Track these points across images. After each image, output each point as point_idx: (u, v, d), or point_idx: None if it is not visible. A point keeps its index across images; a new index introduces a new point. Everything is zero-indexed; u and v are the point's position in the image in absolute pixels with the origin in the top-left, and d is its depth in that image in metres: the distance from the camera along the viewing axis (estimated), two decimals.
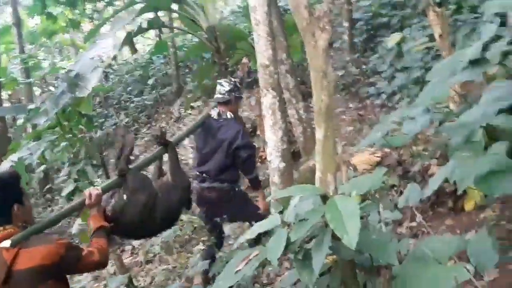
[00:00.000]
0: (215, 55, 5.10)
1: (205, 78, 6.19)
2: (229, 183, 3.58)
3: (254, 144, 3.64)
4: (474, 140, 2.39)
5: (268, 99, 4.16)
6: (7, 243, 2.00)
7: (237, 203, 3.62)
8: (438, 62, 4.23)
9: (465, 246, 2.19)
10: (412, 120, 3.44)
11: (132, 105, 11.58)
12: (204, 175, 3.55)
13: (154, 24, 4.95)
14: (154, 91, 11.55)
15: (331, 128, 2.00)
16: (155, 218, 2.72)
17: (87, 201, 2.46)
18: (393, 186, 3.84)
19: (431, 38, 5.70)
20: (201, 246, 4.95)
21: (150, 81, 11.63)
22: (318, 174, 2.06)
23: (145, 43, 15.50)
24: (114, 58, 5.29)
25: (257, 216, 3.36)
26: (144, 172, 3.04)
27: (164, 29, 11.93)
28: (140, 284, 4.79)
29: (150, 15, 5.40)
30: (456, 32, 6.26)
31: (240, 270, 1.98)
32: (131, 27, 4.73)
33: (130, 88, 12.27)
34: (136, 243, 6.23)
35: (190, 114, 10.23)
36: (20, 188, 2.22)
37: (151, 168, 3.34)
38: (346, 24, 8.97)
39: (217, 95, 3.62)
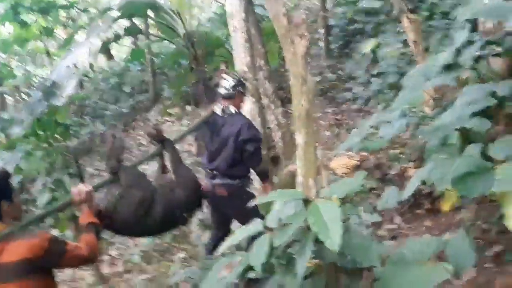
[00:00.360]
0: (192, 61, 5.09)
1: (182, 85, 6.16)
2: (239, 178, 3.51)
3: (260, 136, 3.60)
4: (450, 142, 2.45)
5: (247, 106, 4.18)
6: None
7: (245, 202, 3.47)
8: (412, 67, 4.34)
9: (444, 247, 2.24)
10: (388, 124, 3.52)
11: (108, 113, 11.41)
12: (214, 172, 3.49)
13: (130, 31, 4.92)
14: (130, 99, 11.42)
15: (312, 133, 2.02)
16: (155, 215, 2.66)
17: (76, 198, 2.42)
18: (372, 189, 3.90)
19: (405, 44, 5.84)
20: (182, 254, 4.90)
21: (127, 89, 11.50)
22: (299, 179, 2.08)
23: (121, 50, 15.37)
24: (91, 66, 5.22)
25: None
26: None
27: (140, 36, 11.91)
28: None
29: (127, 22, 5.38)
30: (430, 38, 6.43)
31: (223, 277, 1.98)
32: (107, 34, 4.69)
33: (106, 95, 12.10)
34: (114, 252, 6.14)
35: (167, 121, 10.16)
36: (10, 186, 2.25)
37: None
38: (322, 30, 9.09)
39: (221, 90, 3.55)
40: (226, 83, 3.52)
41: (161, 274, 4.64)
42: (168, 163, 3.06)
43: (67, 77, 4.06)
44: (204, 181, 3.46)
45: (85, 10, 11.42)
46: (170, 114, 10.38)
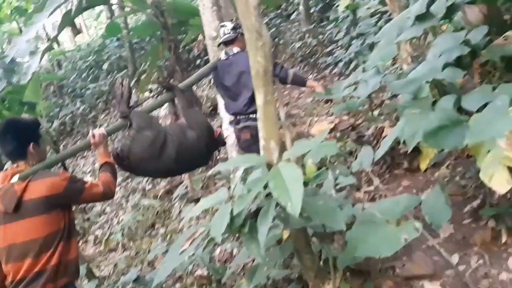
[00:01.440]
0: (163, 31, 4.88)
1: (157, 58, 5.95)
2: None
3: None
4: (422, 96, 2.33)
5: None
6: (16, 178, 2.27)
7: None
8: None
9: (415, 204, 2.16)
10: (364, 83, 3.39)
11: (88, 92, 11.15)
12: (237, 117, 3.47)
13: (94, 2, 4.67)
14: (109, 76, 11.15)
15: (271, 92, 1.89)
16: (168, 155, 2.78)
17: (92, 141, 2.63)
18: (350, 152, 3.80)
19: (383, 2, 5.64)
20: (163, 230, 4.82)
21: (105, 66, 11.22)
22: (261, 142, 1.95)
23: (98, 27, 14.95)
24: (56, 41, 4.99)
25: None
26: None
27: (116, 11, 11.51)
28: (104, 273, 4.64)
29: None
30: None
31: (185, 249, 1.88)
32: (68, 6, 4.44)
33: (84, 74, 11.80)
34: (98, 232, 6.07)
35: (148, 97, 9.94)
36: (38, 132, 2.50)
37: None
38: None
39: (221, 37, 3.53)
40: (225, 28, 3.50)
41: (143, 250, 4.56)
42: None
43: (27, 53, 3.84)
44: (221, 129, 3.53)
45: None
46: (151, 90, 10.16)
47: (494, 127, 1.90)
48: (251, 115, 3.34)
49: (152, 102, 3.12)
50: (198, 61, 9.65)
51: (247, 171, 2.05)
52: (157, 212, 5.22)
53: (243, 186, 1.91)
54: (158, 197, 5.81)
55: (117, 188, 7.32)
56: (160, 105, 3.17)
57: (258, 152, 3.16)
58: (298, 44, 8.33)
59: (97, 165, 8.24)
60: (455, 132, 2.08)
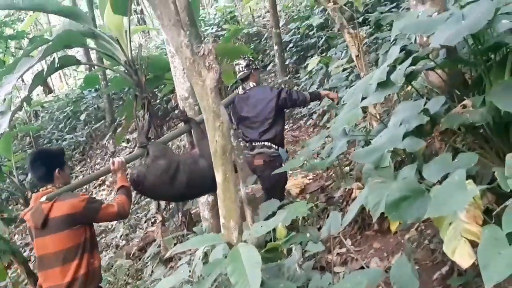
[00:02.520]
0: (136, 89, 4.90)
1: (131, 112, 5.94)
2: (275, 145, 3.80)
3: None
4: (384, 165, 2.35)
5: None
6: (43, 198, 2.68)
7: (274, 175, 3.59)
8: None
9: (381, 278, 2.13)
10: (331, 144, 3.42)
11: (64, 142, 11.03)
12: (252, 143, 3.83)
13: (66, 62, 4.69)
14: (86, 127, 11.09)
15: (230, 171, 1.87)
16: (180, 182, 3.07)
17: (111, 167, 3.05)
18: (324, 209, 3.79)
19: (351, 60, 5.81)
20: None
21: (82, 116, 11.17)
22: (221, 220, 1.92)
23: (77, 76, 15.01)
24: (27, 100, 4.96)
25: (279, 195, 3.68)
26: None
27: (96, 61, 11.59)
28: None
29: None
30: (378, 50, 6.44)
31: None
32: (38, 66, 4.44)
33: (61, 125, 11.71)
34: None
35: (126, 147, 9.88)
36: (63, 159, 2.97)
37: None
38: (276, 47, 9.05)
39: (238, 74, 3.98)
40: (239, 66, 3.96)
41: None
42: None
43: None
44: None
45: (35, 39, 11.07)
46: (128, 141, 10.10)
47: (454, 201, 1.90)
48: (265, 143, 3.75)
49: (170, 133, 3.51)
50: (176, 111, 9.71)
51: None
52: (128, 272, 5.05)
53: (202, 267, 1.86)
54: (131, 254, 5.66)
55: None
56: (177, 136, 3.61)
57: (269, 177, 3.60)
58: None
59: None
60: (417, 203, 2.08)
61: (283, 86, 3.96)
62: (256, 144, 3.79)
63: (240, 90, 3.96)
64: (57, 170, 2.82)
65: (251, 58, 4.13)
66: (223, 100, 3.81)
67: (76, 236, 2.70)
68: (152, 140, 3.18)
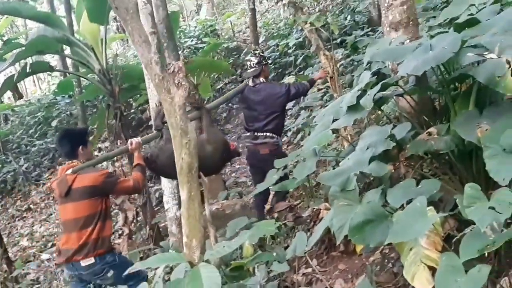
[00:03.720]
0: (109, 98, 4.84)
1: (103, 120, 5.87)
2: (276, 133, 4.22)
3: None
4: (350, 188, 2.38)
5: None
6: (69, 171, 3.08)
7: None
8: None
9: None
10: (302, 163, 3.44)
11: (34, 148, 10.76)
12: (255, 133, 4.17)
13: (38, 68, 4.61)
14: (57, 133, 10.84)
15: (195, 189, 1.86)
16: None
17: (129, 147, 3.35)
18: (292, 228, 3.79)
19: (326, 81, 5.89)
20: None
21: (54, 123, 10.94)
22: (184, 238, 1.90)
23: (51, 82, 14.72)
24: None
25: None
26: None
27: (71, 68, 11.40)
28: None
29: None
30: (354, 71, 6.56)
31: None
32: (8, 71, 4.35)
33: (32, 130, 11.43)
34: None
35: (97, 156, 9.69)
36: (86, 138, 3.36)
37: None
38: None
39: (248, 70, 4.31)
40: (251, 63, 4.27)
41: None
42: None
43: None
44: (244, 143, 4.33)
45: (8, 42, 10.85)
46: (100, 149, 9.93)
47: (415, 227, 1.93)
48: (267, 133, 4.13)
49: None
50: (150, 122, 9.62)
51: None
52: None
53: (163, 286, 1.83)
54: None
55: (55, 255, 6.94)
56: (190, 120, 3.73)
57: (272, 166, 3.79)
58: None
59: (35, 228, 7.79)
60: (380, 227, 2.11)
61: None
62: (259, 134, 4.15)
63: (250, 83, 4.27)
64: (80, 147, 3.23)
65: (261, 53, 4.42)
66: (231, 91, 4.51)
67: (94, 206, 3.07)
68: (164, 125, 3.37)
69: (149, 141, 3.59)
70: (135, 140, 3.39)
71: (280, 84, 4.40)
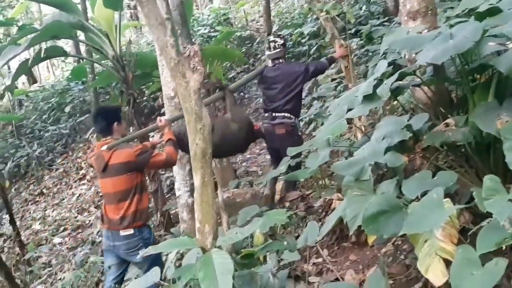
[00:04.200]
0: (122, 85, 4.84)
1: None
2: (293, 114, 4.26)
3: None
4: (364, 178, 2.35)
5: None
6: (105, 147, 3.22)
7: (294, 142, 4.00)
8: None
9: None
10: (315, 154, 3.41)
11: (47, 134, 10.86)
12: (273, 113, 4.22)
13: (52, 52, 4.62)
14: (71, 119, 10.93)
15: (209, 174, 1.85)
16: (213, 141, 3.38)
17: (159, 124, 3.57)
18: (303, 218, 3.78)
19: (341, 71, 5.82)
20: None
21: (67, 109, 11.01)
22: (196, 224, 1.89)
23: (65, 68, 14.80)
24: (10, 89, 4.87)
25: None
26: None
27: (85, 54, 11.44)
28: None
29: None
30: (369, 62, 6.47)
31: None
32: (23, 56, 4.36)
33: (45, 116, 11.53)
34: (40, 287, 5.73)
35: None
36: (120, 115, 3.48)
37: None
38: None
39: (271, 51, 4.31)
40: (276, 43, 4.32)
41: None
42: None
43: None
44: (261, 124, 4.28)
45: (23, 27, 10.90)
46: None
47: (430, 219, 1.90)
48: (285, 114, 4.17)
49: (207, 99, 3.82)
50: (162, 110, 9.65)
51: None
52: (102, 270, 4.97)
53: (175, 270, 1.83)
54: None
55: (67, 239, 7.03)
56: (213, 101, 3.93)
57: (291, 144, 3.81)
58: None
59: (47, 212, 7.88)
60: (394, 219, 2.08)
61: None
62: (277, 114, 4.20)
63: (270, 63, 4.35)
64: (115, 124, 3.37)
65: (284, 36, 4.63)
66: (252, 73, 4.68)
67: (130, 180, 3.23)
68: None
69: (176, 119, 3.73)
70: (164, 117, 3.57)
71: (299, 64, 4.58)
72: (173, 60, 1.71)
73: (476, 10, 2.74)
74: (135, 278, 4.10)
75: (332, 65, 7.00)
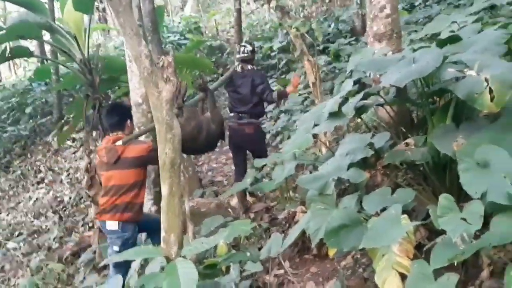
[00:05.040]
0: (88, 88, 4.77)
1: (80, 111, 5.77)
2: (259, 116, 4.76)
3: (266, 78, 4.96)
4: (327, 193, 2.42)
5: (141, 139, 3.95)
6: (120, 142, 3.37)
7: (261, 138, 4.80)
8: (314, 107, 4.40)
9: None
10: (281, 166, 3.48)
11: (5, 135, 10.46)
12: (240, 114, 4.54)
13: (18, 53, 4.51)
14: (31, 121, 10.60)
15: (176, 184, 1.87)
16: (201, 138, 3.72)
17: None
18: (266, 229, 3.82)
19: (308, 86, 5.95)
20: None
21: (28, 109, 10.67)
22: (162, 233, 1.90)
23: (28, 67, 14.37)
24: None
25: (265, 154, 4.63)
26: None
27: (49, 55, 11.16)
28: None
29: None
30: (335, 78, 6.65)
31: None
32: None
33: (4, 116, 11.13)
34: None
35: (70, 146, 9.53)
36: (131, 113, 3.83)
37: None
38: (237, 63, 9.10)
39: (240, 54, 4.65)
40: (246, 49, 4.67)
41: None
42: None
43: None
44: (227, 122, 4.55)
45: None
46: (74, 139, 9.75)
47: (388, 234, 1.99)
48: (251, 115, 4.53)
49: (192, 100, 4.24)
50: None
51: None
52: (59, 277, 4.84)
53: (137, 279, 1.83)
54: (64, 258, 5.42)
55: (21, 244, 6.78)
56: (196, 102, 4.20)
57: (260, 140, 4.71)
58: None
59: (2, 215, 7.56)
60: (355, 233, 2.16)
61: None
62: (244, 115, 4.53)
63: (239, 68, 4.64)
64: (128, 121, 3.58)
65: (254, 44, 5.04)
66: (223, 77, 4.91)
67: (138, 175, 3.36)
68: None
69: (145, 133, 3.88)
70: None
71: (265, 78, 4.81)
72: (147, 70, 1.73)
73: (438, 37, 2.90)
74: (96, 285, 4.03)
75: (301, 80, 7.17)
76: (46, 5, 7.48)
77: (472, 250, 1.70)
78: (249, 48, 4.70)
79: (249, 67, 4.62)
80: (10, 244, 6.65)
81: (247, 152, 4.82)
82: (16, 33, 4.25)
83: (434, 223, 2.03)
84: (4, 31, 4.12)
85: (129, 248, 3.04)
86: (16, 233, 7.16)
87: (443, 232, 1.83)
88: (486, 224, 1.80)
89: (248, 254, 2.93)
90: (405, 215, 2.05)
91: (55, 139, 9.67)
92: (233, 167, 6.68)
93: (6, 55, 4.35)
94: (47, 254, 5.85)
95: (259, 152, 4.61)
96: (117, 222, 3.30)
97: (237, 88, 4.57)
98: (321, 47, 8.30)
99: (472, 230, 1.70)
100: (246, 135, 4.54)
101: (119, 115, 3.54)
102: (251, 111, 4.55)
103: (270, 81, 7.30)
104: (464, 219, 1.76)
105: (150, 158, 3.35)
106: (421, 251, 2.12)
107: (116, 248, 3.25)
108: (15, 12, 11.28)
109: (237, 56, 4.75)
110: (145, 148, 3.39)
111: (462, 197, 2.33)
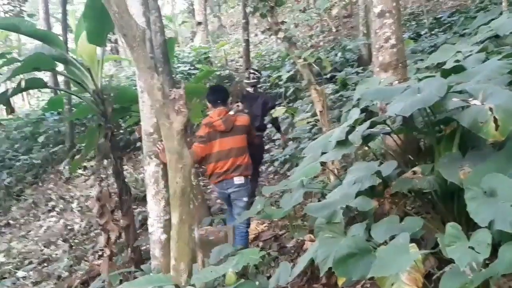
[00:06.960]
0: (101, 118, 4.87)
1: (93, 140, 5.86)
2: (263, 131, 5.88)
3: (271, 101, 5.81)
4: (336, 221, 2.44)
5: (151, 168, 4.00)
6: (232, 112, 4.22)
7: (263, 146, 5.83)
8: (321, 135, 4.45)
9: None
10: (289, 194, 3.50)
11: (18, 163, 10.61)
12: None
13: (33, 84, 4.64)
14: (44, 149, 10.75)
15: (187, 213, 1.91)
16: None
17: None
18: (275, 258, 3.81)
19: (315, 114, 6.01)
20: None
21: (41, 138, 10.84)
22: (172, 261, 1.93)
23: (41, 97, 14.68)
24: None
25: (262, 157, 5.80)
26: None
27: (62, 85, 11.41)
28: None
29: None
30: (342, 107, 6.71)
31: None
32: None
33: (17, 145, 11.31)
34: None
35: (82, 175, 9.63)
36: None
37: None
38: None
39: (250, 80, 5.55)
40: (255, 76, 5.58)
41: None
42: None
43: None
44: None
45: (2, 56, 10.84)
46: (86, 168, 9.85)
47: (397, 262, 1.99)
48: (260, 129, 5.41)
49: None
50: (138, 144, 9.61)
51: None
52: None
53: None
54: (73, 287, 5.42)
55: (31, 273, 6.79)
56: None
57: (262, 149, 5.72)
58: None
59: (13, 244, 7.59)
60: (363, 261, 2.17)
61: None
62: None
63: (250, 89, 5.53)
64: (229, 99, 4.45)
65: (261, 72, 6.33)
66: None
67: (245, 140, 4.17)
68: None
69: None
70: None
71: (269, 97, 6.10)
72: (159, 102, 1.80)
73: (443, 67, 2.95)
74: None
75: (308, 108, 7.26)
76: (61, 37, 7.71)
77: (480, 279, 1.70)
78: (257, 74, 5.63)
79: (258, 90, 5.59)
80: (20, 273, 6.67)
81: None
82: (32, 65, 4.39)
83: (443, 251, 2.04)
84: (20, 64, 4.25)
85: (252, 198, 4.18)
86: (26, 261, 7.18)
87: (452, 261, 1.83)
88: (494, 252, 1.81)
89: (257, 283, 2.92)
90: (414, 244, 2.06)
91: (67, 167, 9.79)
92: None
93: (21, 86, 4.48)
94: (56, 283, 5.86)
95: (259, 156, 5.38)
96: (243, 177, 4.07)
97: (249, 107, 5.16)
98: (328, 76, 8.41)
99: (480, 258, 1.71)
100: (255, 145, 4.90)
101: (225, 94, 4.33)
102: (259, 126, 5.36)
103: None
104: (472, 248, 1.76)
105: (250, 127, 4.30)
106: (430, 280, 2.12)
107: (245, 199, 4.10)
108: (30, 43, 11.61)
109: (246, 81, 5.61)
110: (248, 119, 4.28)
111: (471, 226, 2.33)
